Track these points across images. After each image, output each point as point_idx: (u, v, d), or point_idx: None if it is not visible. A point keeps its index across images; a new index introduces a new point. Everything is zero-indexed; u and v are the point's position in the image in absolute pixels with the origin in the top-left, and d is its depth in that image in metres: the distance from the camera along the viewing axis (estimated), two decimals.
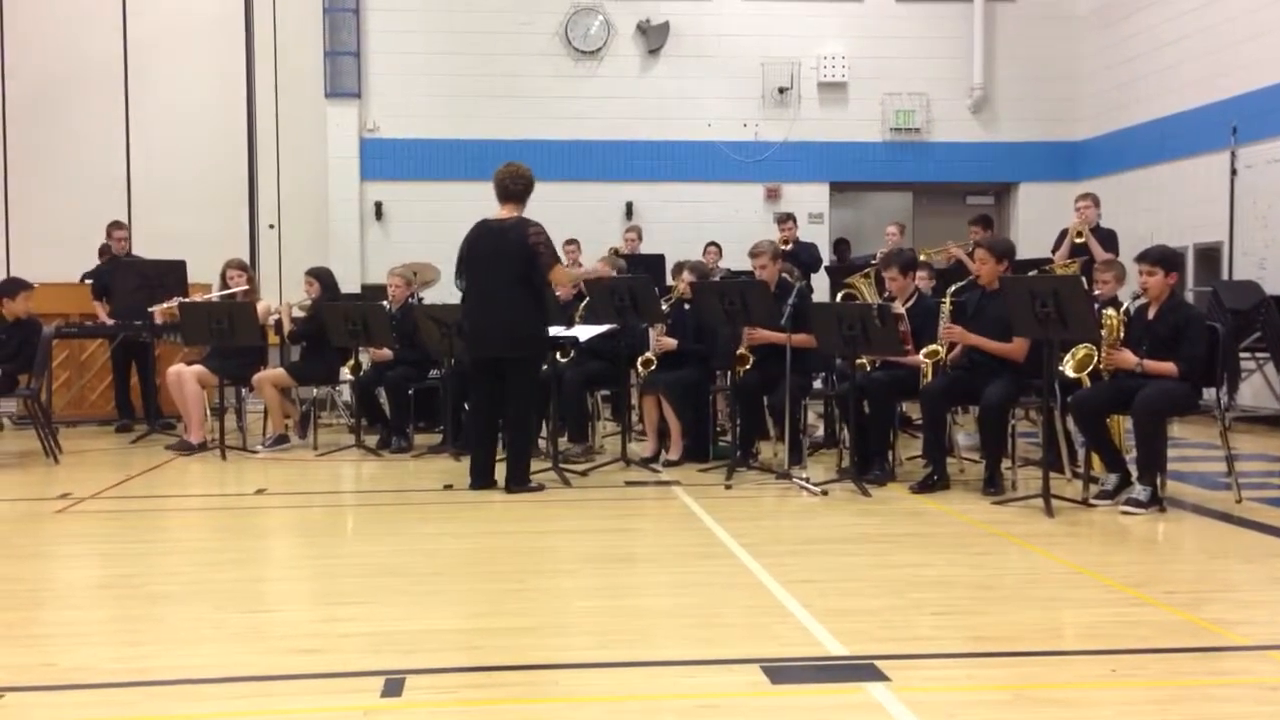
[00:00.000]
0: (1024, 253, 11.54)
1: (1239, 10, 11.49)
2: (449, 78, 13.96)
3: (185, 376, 9.12)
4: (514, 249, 7.06)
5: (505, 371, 7.14)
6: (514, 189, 7.24)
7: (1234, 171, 11.34)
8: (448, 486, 7.39)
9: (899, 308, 7.28)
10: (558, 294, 9.14)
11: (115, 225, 11.13)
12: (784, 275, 8.21)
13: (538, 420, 8.25)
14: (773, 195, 14.25)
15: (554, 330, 7.77)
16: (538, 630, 4.30)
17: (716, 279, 9.16)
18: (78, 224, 13.03)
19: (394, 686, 3.59)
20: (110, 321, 10.61)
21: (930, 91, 14.37)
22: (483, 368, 7.28)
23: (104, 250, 11.18)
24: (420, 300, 10.29)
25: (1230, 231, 11.38)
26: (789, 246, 11.17)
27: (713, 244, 12.00)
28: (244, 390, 9.76)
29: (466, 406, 8.60)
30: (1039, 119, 14.49)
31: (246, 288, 9.52)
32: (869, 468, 7.30)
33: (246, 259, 11.09)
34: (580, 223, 12.37)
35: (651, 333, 8.57)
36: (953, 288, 7.36)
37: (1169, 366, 6.37)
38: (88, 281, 11.09)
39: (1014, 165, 14.55)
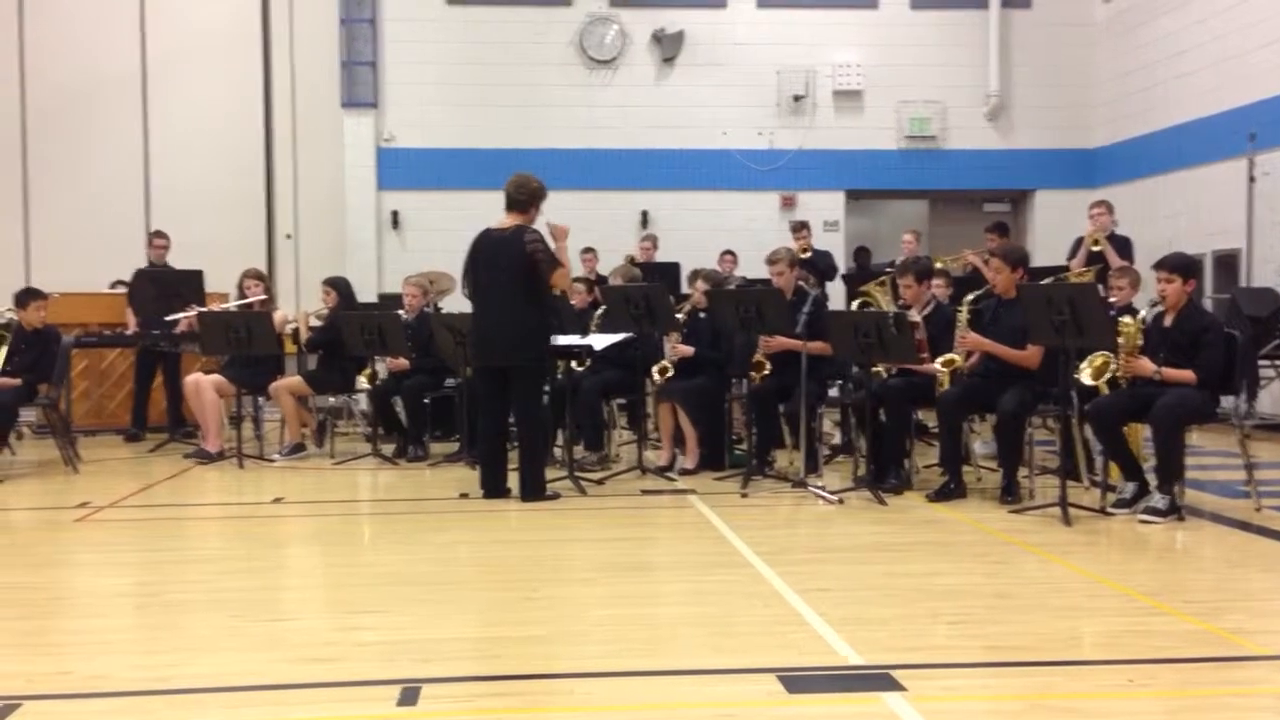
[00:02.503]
0: (1041, 260, 11.54)
1: (1256, 17, 11.43)
2: (465, 87, 14.01)
3: (203, 385, 9.17)
4: (513, 258, 7.09)
5: (510, 381, 7.16)
6: (517, 198, 7.27)
7: (1252, 178, 11.28)
8: (463, 495, 7.40)
9: (915, 316, 7.26)
10: (572, 301, 9.17)
11: (156, 234, 11.23)
12: (800, 283, 8.21)
13: (553, 428, 8.26)
14: (788, 203, 14.24)
15: (570, 339, 7.79)
16: (553, 639, 4.30)
17: (732, 287, 9.15)
18: (97, 234, 13.16)
19: (410, 695, 3.60)
20: (135, 330, 10.65)
21: (946, 99, 14.35)
22: (489, 377, 7.29)
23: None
24: (436, 309, 10.32)
25: (1248, 238, 11.32)
26: (808, 255, 11.17)
27: (729, 252, 12.02)
28: (261, 399, 9.79)
29: None
30: (1055, 126, 14.44)
31: (264, 297, 9.57)
32: (885, 476, 7.29)
33: (264, 269, 11.17)
34: (596, 231, 12.38)
35: (667, 341, 8.57)
36: (970, 296, 7.33)
37: (1187, 374, 6.34)
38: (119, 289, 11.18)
39: (1030, 172, 14.50)
